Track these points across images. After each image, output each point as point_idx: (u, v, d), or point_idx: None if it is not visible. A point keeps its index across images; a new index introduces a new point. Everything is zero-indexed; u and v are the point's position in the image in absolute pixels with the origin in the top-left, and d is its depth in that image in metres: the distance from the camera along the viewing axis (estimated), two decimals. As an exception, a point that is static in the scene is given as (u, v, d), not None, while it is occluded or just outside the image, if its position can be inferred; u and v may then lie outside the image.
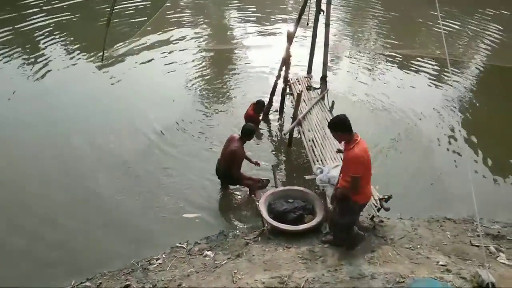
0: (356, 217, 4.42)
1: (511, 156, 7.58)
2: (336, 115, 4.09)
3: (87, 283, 4.71)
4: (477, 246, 4.86)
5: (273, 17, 14.97)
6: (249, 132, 5.83)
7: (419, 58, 11.45)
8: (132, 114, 8.36)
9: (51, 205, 5.98)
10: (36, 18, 13.16)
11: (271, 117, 8.50)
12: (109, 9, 5.80)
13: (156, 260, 4.99)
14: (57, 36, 12.04)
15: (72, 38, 12.02)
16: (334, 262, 4.41)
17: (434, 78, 10.54)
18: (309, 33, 8.22)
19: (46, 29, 12.45)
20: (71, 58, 10.83)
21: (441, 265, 4.30)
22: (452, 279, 3.84)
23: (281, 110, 8.54)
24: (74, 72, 10.09)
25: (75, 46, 11.51)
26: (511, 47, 11.59)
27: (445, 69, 10.40)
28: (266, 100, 8.25)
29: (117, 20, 12.88)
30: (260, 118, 8.14)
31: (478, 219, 4.37)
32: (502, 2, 16.26)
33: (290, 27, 7.88)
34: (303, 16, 7.64)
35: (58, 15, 13.59)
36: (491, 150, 7.63)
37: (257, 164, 6.31)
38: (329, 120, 6.58)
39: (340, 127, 3.88)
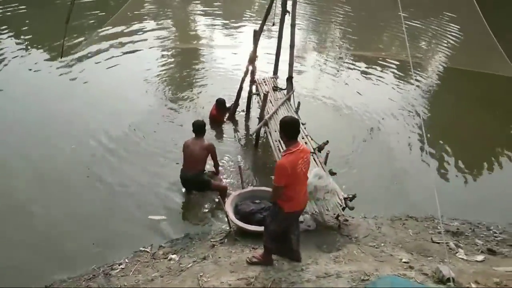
0: (283, 224, 4.03)
1: (470, 156, 7.93)
2: (290, 116, 3.98)
3: (45, 291, 4.49)
4: (438, 243, 5.02)
5: (239, 17, 14.95)
6: (200, 127, 5.89)
7: (383, 60, 11.77)
8: (89, 115, 8.04)
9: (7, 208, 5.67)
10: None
11: (237, 117, 8.45)
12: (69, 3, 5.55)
13: (119, 265, 4.83)
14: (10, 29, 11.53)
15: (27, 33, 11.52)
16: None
17: (398, 80, 10.86)
18: (275, 33, 8.26)
19: None
20: (27, 54, 10.37)
21: (404, 262, 4.38)
22: (414, 276, 3.92)
23: (247, 111, 8.52)
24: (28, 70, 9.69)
25: (31, 42, 11.05)
26: (470, 50, 12.10)
27: (408, 71, 10.72)
28: (232, 99, 8.23)
29: (77, 15, 12.42)
30: (226, 117, 8.13)
31: (440, 217, 4.51)
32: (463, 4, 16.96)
33: (256, 27, 7.86)
34: (269, 17, 7.65)
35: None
36: (451, 150, 7.93)
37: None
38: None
39: (284, 128, 3.76)
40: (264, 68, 8.92)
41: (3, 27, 11.94)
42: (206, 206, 6.04)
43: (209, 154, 5.93)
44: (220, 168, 6.40)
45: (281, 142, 4.03)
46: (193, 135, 5.93)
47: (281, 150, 6.03)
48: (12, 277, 4.69)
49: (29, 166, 6.57)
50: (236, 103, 8.37)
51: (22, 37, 11.46)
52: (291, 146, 3.73)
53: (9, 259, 4.92)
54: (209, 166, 6.21)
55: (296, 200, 3.85)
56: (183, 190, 6.19)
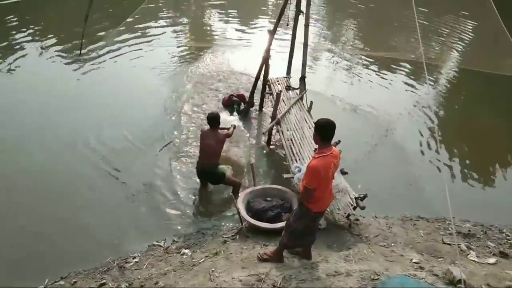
0: (309, 225, 4.05)
1: (483, 158, 7.86)
2: (326, 119, 3.77)
3: (61, 282, 4.61)
4: (449, 244, 5.01)
5: (253, 17, 14.99)
6: (214, 118, 5.95)
7: (396, 60, 11.68)
8: (110, 111, 8.23)
9: (21, 202, 5.82)
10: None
11: (250, 116, 8.51)
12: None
13: (133, 259, 4.93)
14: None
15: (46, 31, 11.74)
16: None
17: (411, 80, 10.78)
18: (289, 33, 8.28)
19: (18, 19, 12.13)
20: (45, 51, 10.58)
21: (415, 262, 4.39)
22: (425, 276, 3.93)
23: (260, 110, 8.58)
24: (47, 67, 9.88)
25: (50, 40, 11.26)
26: (485, 52, 11.94)
27: (422, 71, 10.60)
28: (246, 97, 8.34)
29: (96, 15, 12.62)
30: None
31: (452, 218, 4.49)
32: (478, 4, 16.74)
33: (270, 27, 7.91)
34: (283, 17, 7.67)
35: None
36: (464, 152, 7.87)
37: (233, 127, 6.57)
38: (307, 120, 6.77)
39: (320, 130, 3.70)
40: (277, 68, 8.95)
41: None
42: (219, 202, 6.11)
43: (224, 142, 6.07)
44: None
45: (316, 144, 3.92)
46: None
47: (293, 150, 6.10)
48: (27, 268, 4.84)
49: (44, 156, 6.76)
50: (250, 102, 8.46)
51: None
52: (325, 149, 3.68)
53: (25, 250, 5.06)
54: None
55: (323, 200, 3.88)
56: (198, 181, 6.28)
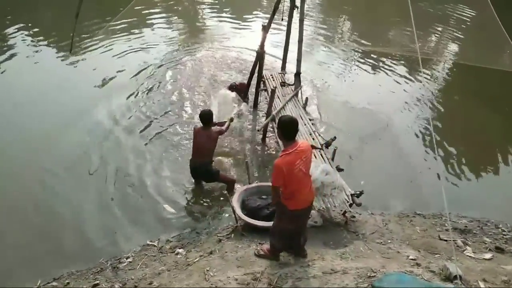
0: (293, 223, 3.97)
1: (479, 153, 7.86)
2: (288, 116, 3.86)
3: (54, 283, 4.56)
4: (445, 240, 4.99)
5: (247, 12, 14.90)
6: (206, 117, 5.91)
7: (391, 55, 11.64)
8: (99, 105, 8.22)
9: (14, 203, 5.74)
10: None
11: (245, 112, 8.45)
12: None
13: (126, 259, 4.88)
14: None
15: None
16: (307, 257, 4.41)
17: (407, 75, 10.73)
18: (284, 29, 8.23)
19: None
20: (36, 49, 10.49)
21: (411, 259, 4.37)
22: (421, 273, 3.91)
23: (255, 106, 8.51)
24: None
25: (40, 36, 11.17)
26: (480, 46, 11.94)
27: (418, 66, 10.56)
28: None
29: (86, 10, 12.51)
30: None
31: (448, 214, 4.48)
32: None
33: (265, 22, 7.84)
34: (277, 12, 7.61)
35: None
36: (460, 147, 7.86)
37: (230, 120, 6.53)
38: (303, 117, 6.73)
39: (281, 128, 3.69)
40: (272, 64, 8.90)
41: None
42: (213, 201, 6.06)
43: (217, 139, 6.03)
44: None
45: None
46: None
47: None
48: (20, 270, 4.78)
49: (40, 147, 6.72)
50: (244, 98, 8.41)
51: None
52: (289, 146, 3.66)
53: (18, 252, 4.99)
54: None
55: (298, 198, 3.81)
56: (192, 180, 6.24)
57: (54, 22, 12.82)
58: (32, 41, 11.02)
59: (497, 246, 5.08)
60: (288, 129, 3.66)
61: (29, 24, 11.97)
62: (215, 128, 6.05)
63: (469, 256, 4.68)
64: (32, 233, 5.28)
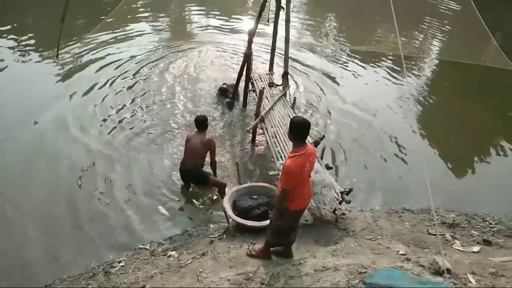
0: (290, 223, 4.03)
1: (465, 147, 7.99)
2: (300, 117, 3.77)
3: (45, 290, 4.51)
4: (434, 234, 5.07)
5: (234, 13, 14.93)
6: (202, 122, 5.96)
7: (377, 54, 11.77)
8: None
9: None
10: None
11: (234, 114, 8.46)
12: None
13: (118, 263, 4.85)
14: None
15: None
16: (298, 255, 4.45)
17: (392, 73, 10.86)
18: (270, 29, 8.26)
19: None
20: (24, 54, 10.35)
21: (401, 254, 4.42)
22: (411, 268, 3.95)
23: (244, 107, 8.53)
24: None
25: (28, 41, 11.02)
26: (463, 43, 12.13)
27: (405, 64, 10.73)
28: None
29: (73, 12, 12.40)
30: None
31: (435, 208, 4.54)
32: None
33: (251, 23, 7.88)
34: (263, 13, 7.64)
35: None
36: (447, 142, 7.99)
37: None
38: (291, 116, 6.75)
39: (293, 129, 3.63)
40: (259, 65, 8.92)
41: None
42: (204, 202, 6.05)
43: (209, 150, 5.97)
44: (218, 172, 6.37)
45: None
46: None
47: (278, 146, 6.08)
48: (12, 277, 4.71)
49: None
50: (233, 99, 8.41)
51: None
52: (299, 148, 3.62)
53: (8, 258, 4.94)
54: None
55: (301, 198, 3.86)
56: (182, 184, 6.23)
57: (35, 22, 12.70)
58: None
59: (484, 239, 5.17)
60: (300, 130, 3.60)
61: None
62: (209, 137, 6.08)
63: (458, 250, 4.76)
64: (23, 239, 5.21)
